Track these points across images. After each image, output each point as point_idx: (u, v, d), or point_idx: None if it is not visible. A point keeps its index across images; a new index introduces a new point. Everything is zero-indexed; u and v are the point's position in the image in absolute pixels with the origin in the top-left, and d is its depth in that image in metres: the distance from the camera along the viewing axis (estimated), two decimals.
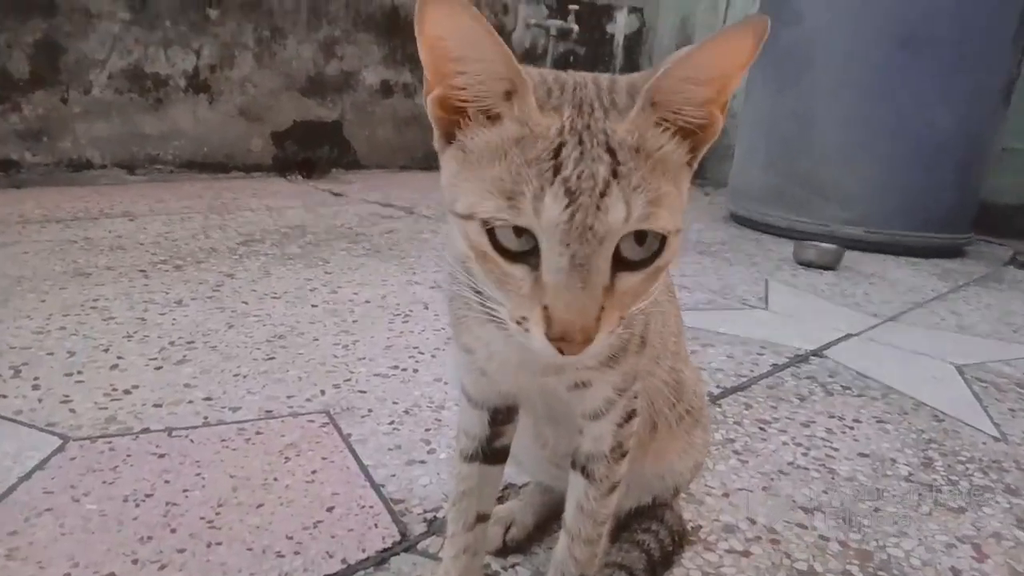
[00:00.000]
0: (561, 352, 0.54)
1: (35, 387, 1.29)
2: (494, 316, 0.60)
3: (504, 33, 4.59)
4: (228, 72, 3.28)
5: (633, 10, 4.91)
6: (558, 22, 4.44)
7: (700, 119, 0.57)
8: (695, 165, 0.60)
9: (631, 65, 5.04)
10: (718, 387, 1.57)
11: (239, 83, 3.33)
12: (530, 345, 0.55)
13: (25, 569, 0.85)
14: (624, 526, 0.98)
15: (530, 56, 4.71)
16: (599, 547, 0.81)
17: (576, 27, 4.40)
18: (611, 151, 0.52)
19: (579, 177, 0.51)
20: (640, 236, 0.54)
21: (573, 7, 4.45)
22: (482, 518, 0.83)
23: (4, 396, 1.25)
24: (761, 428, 1.40)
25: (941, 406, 1.57)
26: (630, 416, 0.77)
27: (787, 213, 3.26)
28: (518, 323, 0.55)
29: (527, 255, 0.53)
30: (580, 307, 0.52)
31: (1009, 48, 3.11)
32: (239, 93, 3.34)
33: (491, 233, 0.53)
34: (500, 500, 1.06)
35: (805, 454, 1.32)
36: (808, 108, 3.23)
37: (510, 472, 1.13)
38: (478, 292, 0.60)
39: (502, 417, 0.82)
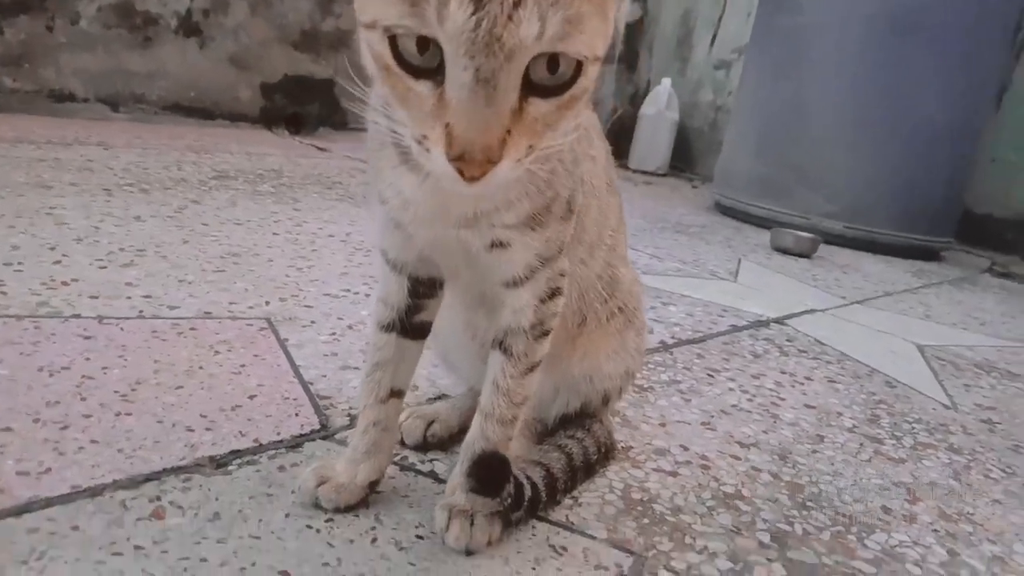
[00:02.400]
0: (462, 175, 0.51)
1: None
2: (401, 143, 0.57)
3: None
4: (221, 18, 3.24)
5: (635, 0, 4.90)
6: None
7: None
8: None
9: (631, 53, 5.02)
10: (672, 338, 1.55)
11: (232, 30, 3.29)
12: (431, 167, 0.53)
13: None
14: (552, 433, 0.96)
15: None
16: (512, 430, 0.78)
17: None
18: None
19: None
20: (553, 60, 0.51)
21: None
22: (396, 393, 0.81)
23: None
24: (710, 375, 1.38)
25: (896, 375, 1.56)
26: (553, 293, 0.75)
27: (770, 203, 3.24)
28: (419, 143, 0.53)
29: (433, 72, 0.50)
30: (483, 125, 0.50)
31: (1007, 47, 3.11)
32: (231, 40, 3.30)
33: (394, 45, 0.51)
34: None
35: (750, 400, 1.30)
36: (801, 98, 3.21)
37: (446, 384, 1.12)
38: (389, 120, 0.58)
39: (423, 289, 0.79)
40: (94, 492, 0.75)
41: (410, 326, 0.80)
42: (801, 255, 2.73)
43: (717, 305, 1.86)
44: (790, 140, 3.26)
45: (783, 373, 1.45)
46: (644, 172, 4.68)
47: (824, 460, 1.11)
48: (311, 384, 1.06)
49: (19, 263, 1.33)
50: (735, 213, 3.45)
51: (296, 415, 0.97)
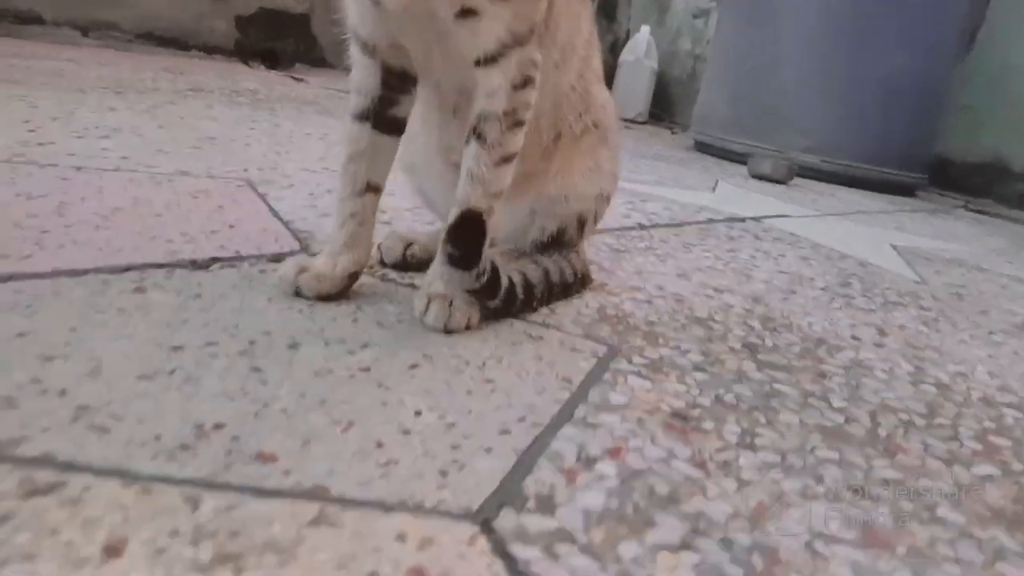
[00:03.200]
0: None
1: None
2: None
3: None
4: None
5: None
6: None
7: None
8: None
9: (609, 2, 5.00)
10: (650, 222, 1.57)
11: None
12: None
13: None
14: (528, 256, 0.97)
15: None
16: (489, 223, 0.79)
17: None
18: None
19: None
20: None
21: None
22: (372, 188, 0.82)
23: None
24: (686, 247, 1.40)
25: (868, 259, 1.59)
26: (526, 82, 0.76)
27: (747, 140, 3.27)
28: None
29: None
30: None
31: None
32: None
33: None
34: None
35: (725, 265, 1.32)
36: (774, 44, 3.23)
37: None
38: None
39: (395, 82, 0.80)
40: (75, 273, 0.75)
41: (384, 119, 0.80)
42: (778, 181, 2.76)
43: (694, 205, 1.88)
44: (764, 84, 3.28)
45: (758, 251, 1.48)
46: (624, 120, 4.68)
47: (796, 305, 1.14)
48: (290, 223, 1.07)
49: None
50: (713, 150, 3.47)
51: (275, 241, 0.98)
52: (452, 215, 0.75)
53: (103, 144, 1.34)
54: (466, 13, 0.69)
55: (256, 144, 1.60)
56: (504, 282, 0.80)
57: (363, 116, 0.80)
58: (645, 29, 4.68)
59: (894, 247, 1.81)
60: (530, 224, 0.95)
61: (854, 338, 1.02)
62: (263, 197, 1.18)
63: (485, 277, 0.75)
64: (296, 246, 0.97)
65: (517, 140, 0.78)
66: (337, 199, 0.82)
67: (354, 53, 0.79)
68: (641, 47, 4.66)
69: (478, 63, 0.73)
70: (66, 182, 1.06)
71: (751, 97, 3.32)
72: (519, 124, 0.77)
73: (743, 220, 1.79)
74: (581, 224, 0.96)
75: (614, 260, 1.21)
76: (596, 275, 1.08)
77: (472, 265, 0.72)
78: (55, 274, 0.74)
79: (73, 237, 0.85)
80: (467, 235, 0.70)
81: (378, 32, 0.75)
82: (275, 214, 1.09)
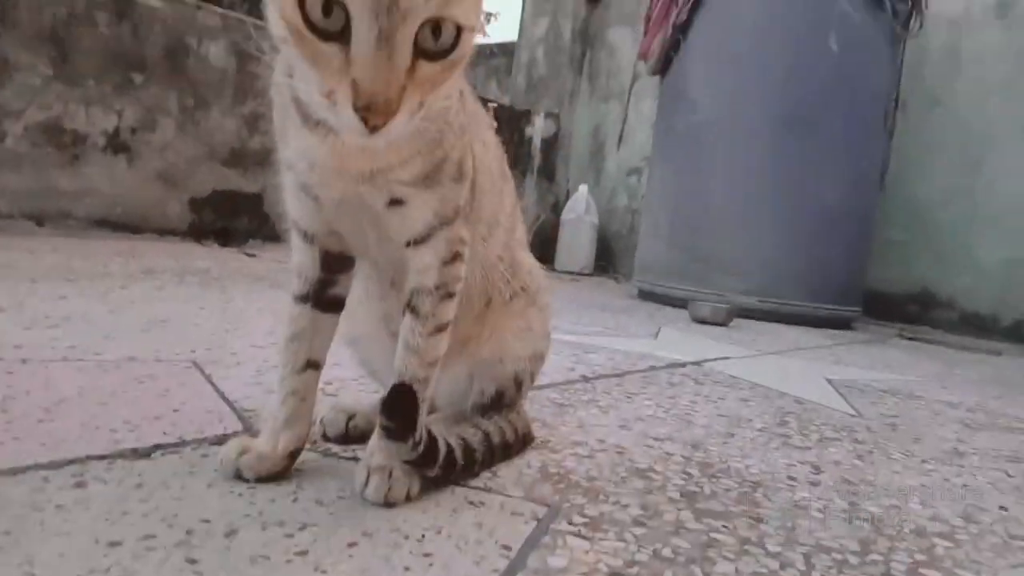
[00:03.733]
0: (367, 124, 0.60)
1: None
2: (304, 104, 0.67)
3: None
4: (149, 135, 3.35)
5: (549, 115, 5.26)
6: None
7: None
8: None
9: (548, 166, 5.33)
10: (593, 373, 1.62)
11: (159, 148, 3.40)
12: (337, 120, 0.62)
13: None
14: (469, 420, 1.00)
15: None
16: (427, 391, 0.83)
17: (495, 123, 4.67)
18: None
19: None
20: (436, 28, 0.61)
21: (492, 104, 4.74)
22: (312, 364, 0.85)
23: None
24: (628, 397, 1.45)
25: (805, 396, 1.65)
26: (454, 257, 0.82)
27: (687, 285, 3.42)
28: (327, 98, 0.61)
29: (339, 35, 0.60)
30: (385, 79, 0.59)
31: (881, 135, 3.46)
32: (159, 157, 3.40)
33: (303, 9, 0.60)
34: None
35: (666, 412, 1.36)
36: (704, 188, 3.47)
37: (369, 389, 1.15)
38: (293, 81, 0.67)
39: (334, 264, 0.85)
40: (16, 471, 0.76)
41: (324, 299, 0.85)
42: (718, 324, 2.87)
43: (637, 353, 1.94)
44: (698, 230, 3.49)
45: (698, 396, 1.53)
46: (570, 273, 4.86)
47: (734, 448, 1.18)
48: (236, 402, 1.09)
49: None
50: (656, 297, 3.62)
51: (220, 422, 0.99)
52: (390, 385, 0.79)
53: (52, 334, 1.37)
54: (395, 203, 0.76)
55: (205, 323, 1.64)
56: (442, 449, 0.82)
57: (304, 298, 0.85)
58: (583, 188, 4.98)
59: (830, 381, 1.88)
60: (469, 387, 0.99)
61: (790, 478, 1.05)
62: (209, 378, 1.20)
63: (422, 447, 0.78)
64: (240, 426, 0.98)
65: (449, 310, 0.84)
66: (278, 377, 0.85)
67: (295, 241, 0.85)
68: (581, 205, 4.93)
69: (409, 244, 0.80)
70: (11, 376, 1.08)
71: (687, 244, 3.51)
72: (450, 296, 0.83)
73: (684, 365, 1.86)
74: (518, 384, 1.01)
75: (557, 415, 1.24)
76: (539, 431, 1.11)
77: (408, 437, 0.75)
78: None
79: (15, 433, 0.86)
80: (401, 408, 0.73)
81: (316, 222, 0.82)
82: (221, 395, 1.11)
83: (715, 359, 2.02)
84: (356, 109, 0.60)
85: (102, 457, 0.82)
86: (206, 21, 3.51)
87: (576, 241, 4.94)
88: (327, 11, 0.59)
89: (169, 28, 3.38)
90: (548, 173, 5.34)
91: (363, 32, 0.58)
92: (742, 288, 3.32)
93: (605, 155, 5.26)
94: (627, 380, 1.59)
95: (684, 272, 3.47)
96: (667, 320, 2.89)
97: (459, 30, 0.63)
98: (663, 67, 3.68)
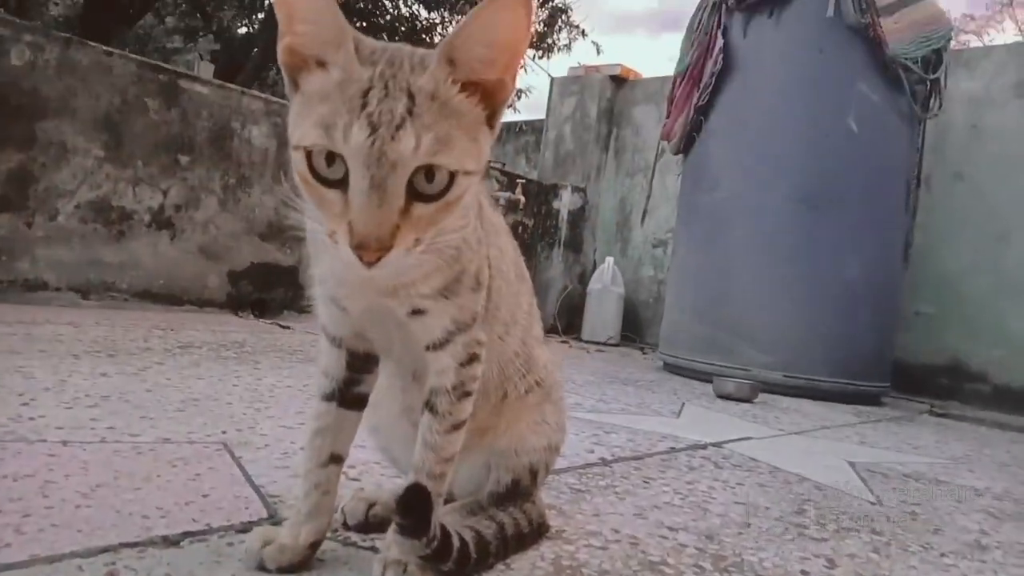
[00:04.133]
0: (362, 260, 0.67)
1: None
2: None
3: None
4: (193, 212, 3.51)
5: (576, 189, 5.38)
6: (507, 193, 4.85)
7: (491, 79, 0.72)
8: (495, 126, 0.75)
9: (575, 237, 5.42)
10: (612, 456, 1.64)
11: (202, 223, 3.55)
12: (340, 255, 0.69)
13: None
14: (485, 509, 1.03)
15: None
16: (442, 486, 0.87)
17: (523, 199, 4.80)
18: (411, 95, 0.68)
19: (380, 113, 0.66)
20: (429, 172, 0.68)
21: (520, 180, 4.88)
22: (335, 459, 0.90)
23: None
24: (646, 482, 1.46)
25: (825, 481, 1.65)
26: (471, 359, 0.87)
27: (713, 359, 3.43)
28: (331, 237, 0.69)
29: (340, 183, 0.68)
30: (376, 221, 0.67)
31: (904, 210, 3.49)
32: (201, 232, 3.55)
33: (310, 161, 0.68)
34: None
35: (683, 499, 1.38)
36: (728, 264, 3.51)
37: (391, 485, 1.19)
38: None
39: (359, 364, 0.91)
40: (52, 559, 0.81)
41: (348, 397, 0.91)
42: (742, 400, 2.87)
43: (658, 433, 1.96)
44: (723, 304, 3.51)
45: (716, 480, 1.54)
46: (596, 343, 4.89)
47: (749, 539, 1.19)
48: (262, 487, 1.13)
49: None
50: (681, 370, 3.62)
51: (246, 509, 1.04)
52: (407, 480, 0.83)
53: (91, 413, 1.43)
54: (416, 312, 0.82)
55: (237, 402, 1.70)
56: (456, 543, 0.86)
57: (330, 397, 0.90)
58: (609, 259, 5.04)
59: (852, 464, 1.87)
60: (485, 477, 1.03)
61: (803, 573, 1.06)
62: (238, 461, 1.25)
63: (436, 543, 0.81)
64: (265, 513, 1.03)
65: (466, 409, 0.88)
66: (303, 470, 0.90)
67: (323, 344, 0.91)
68: (607, 275, 4.99)
69: (428, 348, 0.85)
70: (52, 458, 1.14)
71: (711, 318, 3.53)
72: (467, 395, 0.88)
73: (705, 447, 1.87)
74: (533, 475, 1.04)
75: (574, 501, 1.27)
76: (554, 520, 1.13)
77: (422, 534, 0.79)
78: (32, 562, 0.79)
79: (54, 519, 0.91)
80: (415, 507, 0.77)
81: (344, 328, 0.88)
82: (248, 478, 1.16)
83: (737, 439, 2.03)
84: (352, 248, 0.67)
85: (134, 544, 0.87)
86: (250, 105, 3.70)
87: (603, 311, 4.98)
88: (330, 162, 0.68)
89: (215, 112, 3.57)
90: (575, 245, 5.43)
91: (357, 181, 0.66)
92: (767, 363, 3.32)
93: (631, 227, 5.34)
94: (646, 463, 1.61)
95: (709, 346, 3.48)
96: (691, 396, 2.89)
97: (452, 174, 0.69)
98: (685, 146, 3.78)
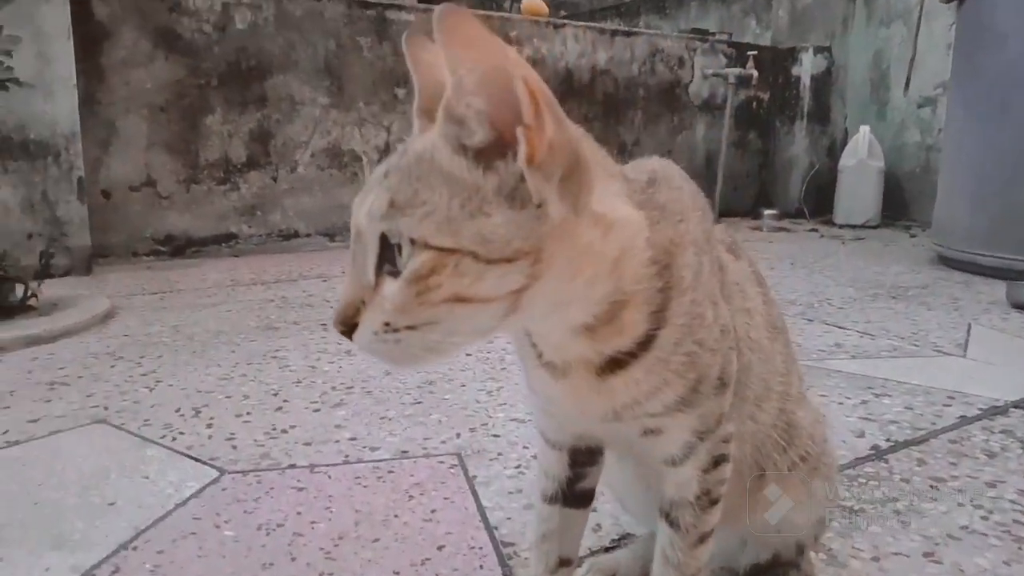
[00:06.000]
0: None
1: (208, 425, 1.44)
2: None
3: (681, 86, 4.57)
4: None
5: (820, 50, 4.68)
6: (736, 70, 4.35)
7: (499, 134, 0.52)
8: (524, 198, 0.53)
9: (820, 107, 4.78)
10: (888, 440, 1.41)
11: None
12: None
13: None
14: None
15: (709, 106, 4.63)
16: None
17: (756, 73, 4.28)
18: (404, 156, 0.55)
19: (371, 174, 0.56)
20: (400, 244, 0.53)
21: (752, 52, 4.33)
22: (565, 562, 0.81)
23: (182, 433, 1.41)
24: (933, 487, 1.23)
25: None
26: (718, 462, 0.72)
27: (1002, 252, 2.89)
28: None
29: None
30: (344, 292, 0.56)
31: None
32: None
33: None
34: (611, 550, 1.03)
35: (985, 518, 1.13)
36: (1019, 137, 2.87)
37: (627, 520, 1.10)
38: None
39: (583, 458, 0.79)
40: None
41: (573, 495, 0.80)
42: None
43: (941, 391, 1.66)
44: (1013, 186, 2.90)
45: (1020, 479, 1.26)
46: (852, 226, 4.37)
47: None
48: (496, 528, 1.09)
49: (248, 413, 1.51)
50: (961, 265, 3.11)
51: (481, 568, 0.99)
52: None
53: (336, 417, 1.48)
54: (649, 432, 0.68)
55: (470, 383, 1.68)
56: None
57: (553, 499, 0.80)
58: (864, 128, 4.40)
59: None
60: (742, 550, 0.90)
61: None
62: (472, 483, 1.22)
63: None
64: (499, 571, 0.98)
65: (713, 517, 0.73)
66: (531, 575, 0.82)
67: (540, 444, 0.80)
68: (863, 148, 4.38)
69: (666, 463, 0.71)
70: (300, 494, 1.18)
71: (998, 204, 2.96)
72: (714, 503, 0.73)
73: (1005, 411, 1.55)
74: (800, 549, 0.89)
75: (845, 534, 1.08)
76: (824, 570, 0.97)
77: None
78: None
79: None
80: None
81: (563, 436, 0.76)
82: (483, 516, 1.12)
83: None
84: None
85: None
86: None
87: (858, 190, 4.41)
88: None
89: None
90: (820, 115, 4.79)
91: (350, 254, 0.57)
92: None
93: (890, 86, 4.59)
94: (932, 451, 1.36)
95: (996, 236, 2.92)
96: (978, 308, 2.46)
97: (412, 243, 0.52)
98: None
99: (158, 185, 3.13)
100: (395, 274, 0.53)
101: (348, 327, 0.55)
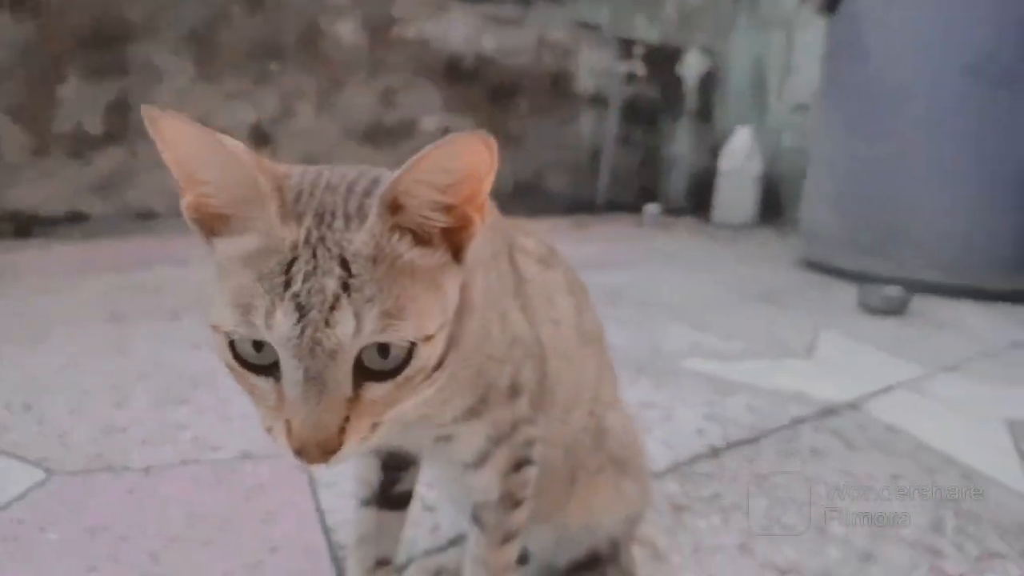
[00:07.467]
0: (308, 463, 0.53)
1: (39, 422, 1.37)
2: None
3: (567, 79, 4.63)
4: (287, 122, 3.45)
5: (705, 50, 4.85)
6: (624, 65, 4.45)
7: (449, 223, 0.54)
8: (464, 259, 0.57)
9: (704, 106, 4.96)
10: (724, 440, 1.48)
11: (300, 134, 3.49)
12: (283, 453, 0.54)
13: None
14: None
15: (596, 102, 4.72)
16: None
17: (643, 69, 4.39)
18: (344, 263, 0.51)
19: (309, 292, 0.50)
20: (384, 348, 0.52)
21: (639, 49, 4.45)
22: (383, 563, 0.82)
23: (8, 429, 1.33)
24: (758, 483, 1.31)
25: (976, 463, 1.43)
26: (520, 465, 0.74)
27: (860, 258, 3.09)
28: (268, 432, 0.55)
29: (272, 369, 0.53)
30: (316, 422, 0.51)
31: None
32: (301, 143, 3.50)
33: (233, 346, 0.53)
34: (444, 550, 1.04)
35: (799, 511, 1.22)
36: (879, 148, 3.07)
37: (464, 520, 1.11)
38: None
39: (396, 462, 0.80)
40: None
41: (389, 498, 0.81)
42: (891, 313, 2.58)
43: (784, 392, 1.77)
44: (872, 194, 3.12)
45: (844, 474, 1.36)
46: (730, 226, 4.57)
47: None
48: (332, 531, 1.08)
49: (83, 409, 1.44)
50: (823, 268, 3.31)
51: (313, 570, 0.99)
52: None
53: (179, 416, 1.43)
54: (441, 439, 0.70)
55: None
56: None
57: (367, 502, 0.81)
58: (744, 130, 4.59)
59: (1011, 428, 1.62)
60: (557, 548, 0.93)
61: None
62: (313, 485, 1.21)
63: None
64: (331, 574, 0.98)
65: (519, 517, 0.76)
66: None
67: None
68: (742, 149, 4.57)
69: (465, 467, 0.73)
70: (131, 497, 1.13)
71: (857, 211, 3.17)
72: (518, 504, 0.76)
73: (837, 412, 1.66)
74: (615, 545, 0.93)
75: (671, 531, 1.14)
76: (646, 563, 1.02)
77: None
78: None
79: None
80: None
81: None
82: (320, 517, 1.11)
83: (877, 391, 1.80)
84: (292, 452, 0.52)
85: None
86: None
87: (736, 190, 4.61)
88: (257, 347, 0.52)
89: (300, 12, 3.40)
90: (704, 115, 4.98)
91: (290, 373, 0.51)
92: (924, 262, 2.95)
93: (769, 91, 4.81)
94: (763, 449, 1.45)
95: (854, 242, 3.13)
96: (830, 312, 2.62)
97: (412, 344, 0.53)
98: (830, 5, 3.24)
99: (3, 157, 2.92)
100: (378, 376, 0.53)
101: (331, 452, 0.52)
